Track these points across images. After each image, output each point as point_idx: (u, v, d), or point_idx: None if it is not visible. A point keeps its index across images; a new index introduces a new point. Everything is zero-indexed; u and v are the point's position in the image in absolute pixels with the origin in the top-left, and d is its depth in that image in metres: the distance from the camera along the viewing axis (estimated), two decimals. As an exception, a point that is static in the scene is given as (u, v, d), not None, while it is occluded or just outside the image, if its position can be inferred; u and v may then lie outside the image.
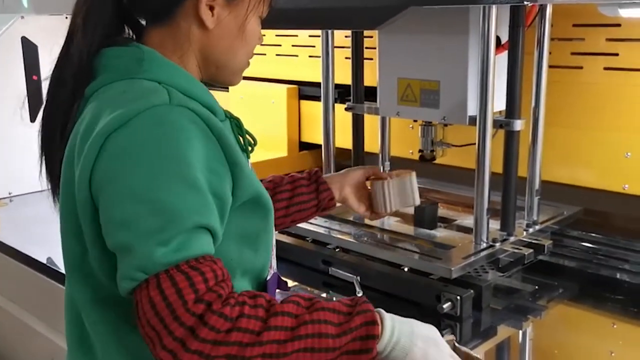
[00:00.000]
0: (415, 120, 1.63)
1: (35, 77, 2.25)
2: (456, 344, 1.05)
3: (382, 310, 0.88)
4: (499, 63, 1.39)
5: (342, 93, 1.99)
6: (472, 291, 1.30)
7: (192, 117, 0.85)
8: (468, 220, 1.60)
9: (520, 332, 1.33)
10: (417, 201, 1.35)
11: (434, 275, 1.36)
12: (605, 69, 1.54)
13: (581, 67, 1.58)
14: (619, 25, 1.51)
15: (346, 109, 1.76)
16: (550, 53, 1.48)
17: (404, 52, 1.53)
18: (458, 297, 1.27)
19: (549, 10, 1.44)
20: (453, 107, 1.46)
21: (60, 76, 0.94)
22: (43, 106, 0.98)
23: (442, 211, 1.67)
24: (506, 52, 1.41)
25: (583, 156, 1.61)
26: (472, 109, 1.44)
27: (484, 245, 1.41)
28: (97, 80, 0.92)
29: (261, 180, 1.29)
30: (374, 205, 1.35)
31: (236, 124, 0.97)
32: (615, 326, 1.34)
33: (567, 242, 1.60)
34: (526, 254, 1.40)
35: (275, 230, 1.28)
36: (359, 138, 1.80)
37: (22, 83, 2.22)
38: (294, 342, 0.80)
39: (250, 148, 0.99)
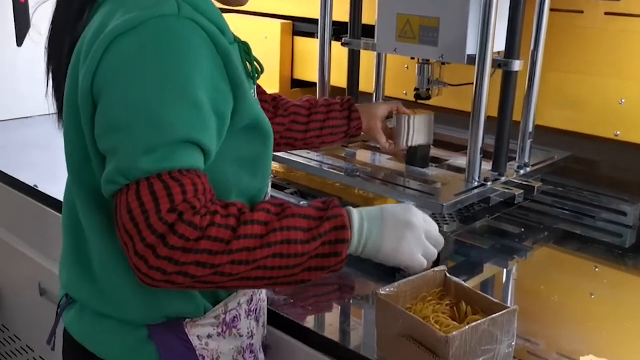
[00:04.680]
0: (412, 58, 1.61)
1: (22, 0, 2.18)
2: (447, 275, 1.08)
3: (353, 210, 0.90)
4: (500, 2, 1.36)
5: (337, 31, 1.95)
6: None
7: (200, 33, 0.84)
8: (460, 161, 1.61)
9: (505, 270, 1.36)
10: (431, 140, 1.50)
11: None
12: (606, 14, 1.53)
13: (582, 12, 1.57)
14: (622, -31, 1.50)
15: (343, 45, 1.73)
16: (552, -5, 1.47)
17: (404, -13, 1.51)
18: None
19: (553, -49, 1.43)
20: (452, 45, 1.45)
21: None
22: (50, 24, 0.97)
23: (434, 151, 1.67)
24: (508, -9, 1.39)
25: (577, 101, 1.62)
26: (471, 48, 1.42)
27: (476, 184, 1.42)
28: None
29: (297, 100, 1.39)
30: (396, 138, 1.47)
31: (245, 50, 0.97)
32: (597, 269, 1.37)
33: (554, 189, 1.62)
34: (517, 194, 1.41)
35: (307, 148, 1.46)
36: (354, 77, 1.78)
37: (10, 6, 2.17)
38: (263, 249, 0.82)
39: (257, 75, 0.99)
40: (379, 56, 1.77)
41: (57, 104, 1.00)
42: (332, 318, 1.19)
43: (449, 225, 1.49)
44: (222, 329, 0.99)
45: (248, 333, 1.03)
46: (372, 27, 1.62)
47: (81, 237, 0.97)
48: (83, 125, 0.88)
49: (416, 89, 1.61)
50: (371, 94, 1.84)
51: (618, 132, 1.56)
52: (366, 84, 1.83)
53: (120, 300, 0.95)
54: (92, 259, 0.96)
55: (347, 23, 1.73)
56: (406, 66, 1.89)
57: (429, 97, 1.61)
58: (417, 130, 1.47)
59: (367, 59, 1.80)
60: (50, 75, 0.99)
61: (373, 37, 1.62)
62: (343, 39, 1.73)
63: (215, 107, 0.85)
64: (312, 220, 0.86)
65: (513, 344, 0.97)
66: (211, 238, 0.80)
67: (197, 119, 0.83)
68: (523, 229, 1.50)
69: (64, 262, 1.03)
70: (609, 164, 1.72)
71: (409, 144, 1.48)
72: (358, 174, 1.51)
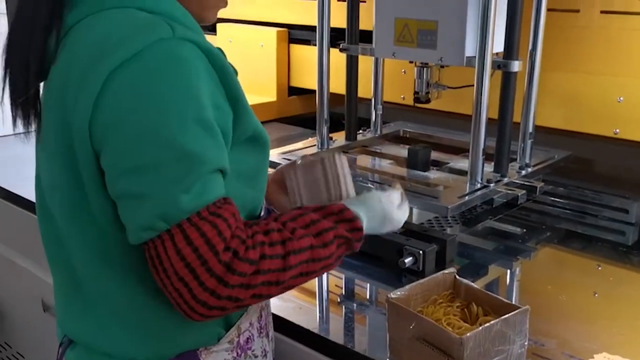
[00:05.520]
0: (411, 62, 1.62)
1: None
2: (457, 277, 1.08)
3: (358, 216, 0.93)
4: (498, 3, 1.37)
5: (334, 37, 1.96)
6: (435, 245, 1.26)
7: (197, 52, 0.80)
8: (461, 163, 1.61)
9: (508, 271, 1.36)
10: (342, 193, 0.98)
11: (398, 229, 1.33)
12: (602, 12, 1.55)
13: (578, 10, 1.58)
14: (617, -32, 1.51)
15: (341, 50, 1.73)
16: (548, -5, 1.47)
17: (401, -9, 1.51)
18: (420, 252, 1.24)
19: (549, -49, 1.43)
20: (450, 47, 1.45)
21: (27, 5, 0.84)
22: (5, 43, 0.87)
23: (434, 154, 1.67)
24: (505, -8, 1.40)
25: (575, 100, 1.62)
26: (470, 49, 1.43)
27: (479, 185, 1.42)
28: (78, 8, 0.84)
29: None
30: (290, 196, 1.03)
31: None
32: (600, 268, 1.38)
33: (554, 189, 1.62)
34: (519, 194, 1.41)
35: None
36: (352, 83, 1.78)
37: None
38: (308, 276, 0.87)
39: None
40: (376, 61, 1.77)
41: (23, 122, 0.89)
42: (341, 323, 1.18)
43: (452, 228, 1.49)
44: (237, 353, 0.96)
45: (262, 352, 1.01)
46: (369, 32, 1.62)
47: (77, 281, 0.92)
48: (82, 171, 0.82)
49: (415, 93, 1.62)
50: (368, 100, 1.85)
51: (617, 130, 1.56)
52: (363, 89, 1.83)
53: (130, 341, 0.91)
54: (95, 303, 0.91)
55: (344, 29, 1.73)
56: (403, 70, 1.90)
57: (428, 101, 1.61)
58: (304, 184, 1.00)
59: (364, 64, 1.80)
60: (7, 86, 0.87)
61: (370, 43, 1.63)
62: (341, 44, 1.74)
63: (220, 126, 0.82)
64: (342, 239, 0.90)
65: (525, 344, 0.97)
66: (265, 271, 0.81)
67: (216, 143, 0.81)
68: (525, 230, 1.50)
69: (61, 305, 0.99)
70: (609, 162, 1.73)
71: (302, 203, 0.99)
72: (360, 178, 1.51)
